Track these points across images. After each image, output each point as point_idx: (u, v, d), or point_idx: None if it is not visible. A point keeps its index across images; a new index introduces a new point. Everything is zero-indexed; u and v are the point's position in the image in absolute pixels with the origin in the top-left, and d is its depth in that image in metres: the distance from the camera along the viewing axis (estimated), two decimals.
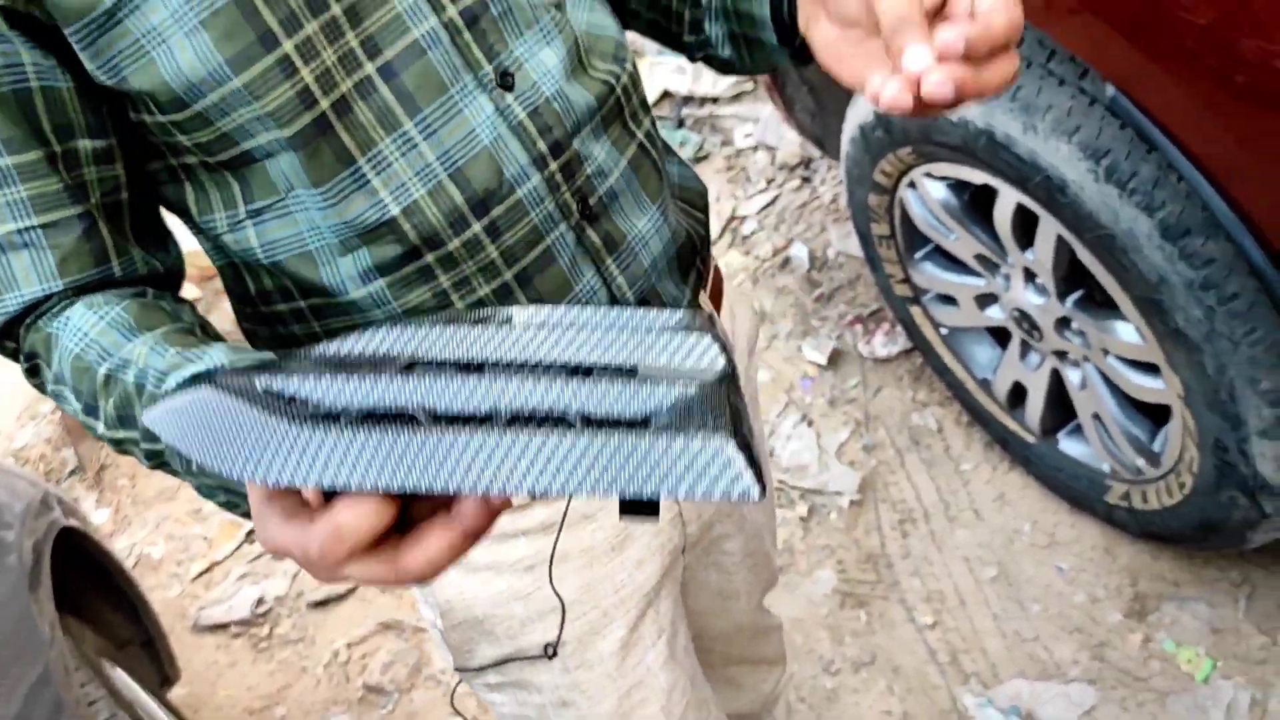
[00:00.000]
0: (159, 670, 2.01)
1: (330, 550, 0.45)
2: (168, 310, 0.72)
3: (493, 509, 0.46)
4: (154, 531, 2.66)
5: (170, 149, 0.73)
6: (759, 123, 2.93)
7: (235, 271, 0.80)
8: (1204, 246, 1.28)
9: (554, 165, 0.78)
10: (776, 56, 0.85)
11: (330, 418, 0.45)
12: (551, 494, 0.43)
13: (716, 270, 1.01)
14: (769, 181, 2.83)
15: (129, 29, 0.65)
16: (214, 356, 0.65)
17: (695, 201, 0.95)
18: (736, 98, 3.06)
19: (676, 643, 1.01)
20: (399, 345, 0.54)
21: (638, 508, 0.47)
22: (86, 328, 0.69)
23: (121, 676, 1.79)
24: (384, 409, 0.47)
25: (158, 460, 0.67)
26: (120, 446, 0.69)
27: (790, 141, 2.82)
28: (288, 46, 0.67)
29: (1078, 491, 1.83)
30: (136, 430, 0.66)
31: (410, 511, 0.47)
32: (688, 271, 0.90)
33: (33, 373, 0.73)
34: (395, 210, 0.73)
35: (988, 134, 1.43)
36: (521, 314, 0.58)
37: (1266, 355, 1.30)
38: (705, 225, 0.95)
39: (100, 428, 0.69)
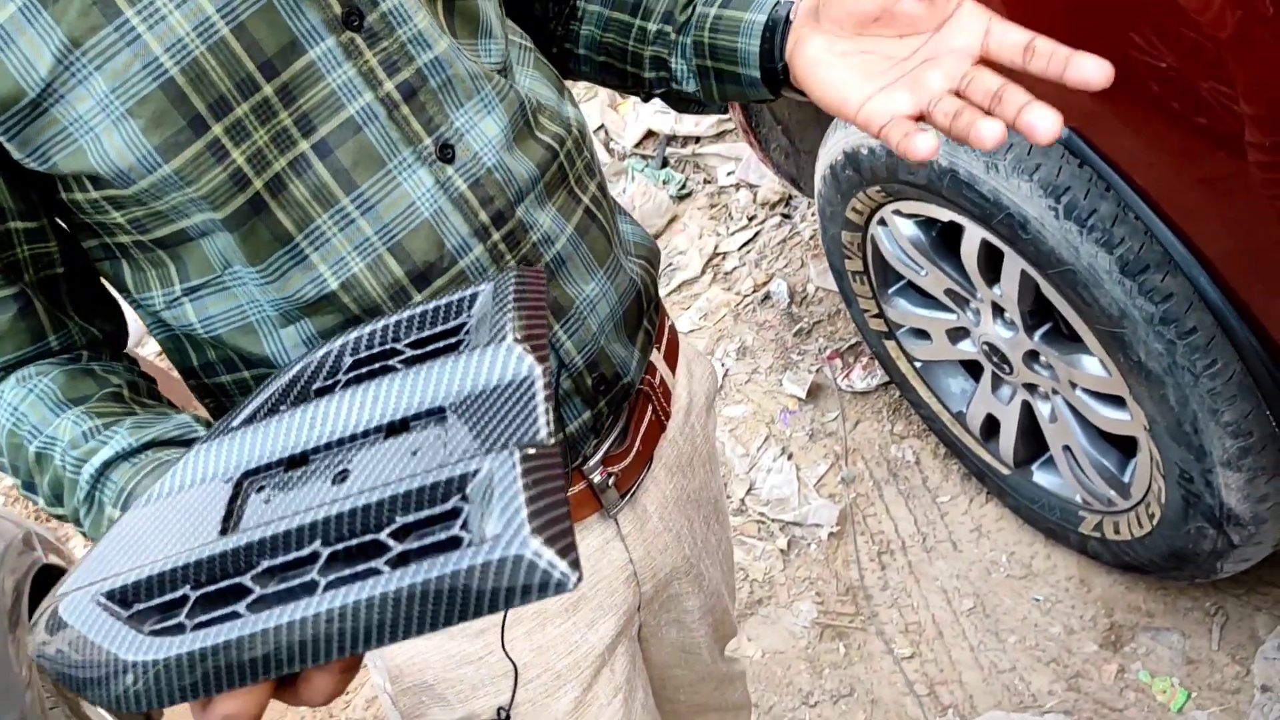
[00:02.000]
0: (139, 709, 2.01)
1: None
2: (97, 376, 0.73)
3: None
4: None
5: (102, 228, 0.72)
6: (741, 161, 2.97)
7: (177, 344, 0.80)
8: (1162, 282, 1.31)
9: (497, 235, 0.77)
10: (749, 90, 0.85)
11: (177, 629, 0.48)
12: (379, 646, 0.46)
13: (671, 329, 1.02)
14: (750, 219, 2.86)
15: (55, 118, 0.64)
16: (119, 440, 0.66)
17: (648, 259, 0.95)
18: (719, 137, 3.11)
19: (634, 701, 1.00)
20: (221, 464, 0.56)
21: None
22: (16, 402, 0.70)
23: (101, 715, 1.79)
24: (208, 614, 0.49)
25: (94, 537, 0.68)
26: (63, 520, 0.70)
27: (771, 179, 2.86)
28: (217, 130, 0.66)
29: (1052, 522, 1.85)
30: (69, 510, 0.68)
31: None
32: (635, 332, 0.90)
33: None
34: (334, 285, 0.73)
35: (951, 173, 1.46)
36: (348, 346, 0.62)
37: (1226, 388, 1.33)
38: (654, 285, 0.95)
39: (40, 502, 0.70)
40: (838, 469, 2.22)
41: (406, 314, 0.64)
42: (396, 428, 0.55)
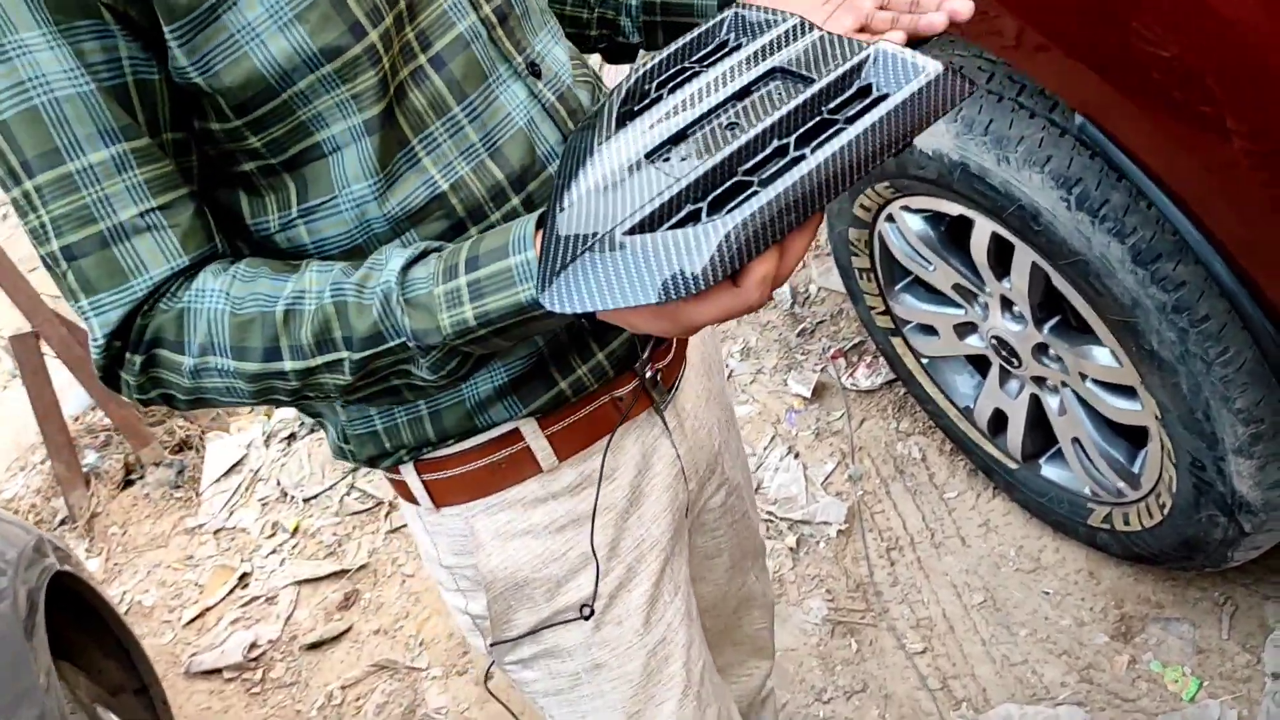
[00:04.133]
0: (153, 717, 2.00)
1: (765, 293, 0.61)
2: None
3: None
4: (145, 579, 2.65)
5: (229, 159, 0.77)
6: None
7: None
8: (1175, 270, 1.32)
9: None
10: None
11: (692, 218, 0.60)
12: (871, 170, 0.60)
13: None
14: None
15: (225, 25, 0.70)
16: (395, 255, 0.73)
17: None
18: None
19: (691, 602, 1.07)
20: (619, 158, 0.65)
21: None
22: (224, 286, 0.73)
23: None
24: (718, 192, 0.60)
25: (364, 369, 0.73)
26: (311, 377, 0.73)
27: None
28: (374, 36, 0.74)
29: (1061, 515, 1.86)
30: (339, 349, 0.72)
31: None
32: None
33: (149, 364, 0.75)
34: (444, 186, 0.80)
35: (962, 166, 1.47)
36: (647, 81, 0.72)
37: (1239, 375, 1.34)
38: None
39: (286, 364, 0.73)
40: (845, 467, 2.22)
41: (667, 52, 0.74)
42: (745, 92, 0.66)
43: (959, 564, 1.99)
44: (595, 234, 0.61)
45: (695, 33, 0.72)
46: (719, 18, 0.73)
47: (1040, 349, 1.67)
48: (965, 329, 1.83)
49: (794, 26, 0.68)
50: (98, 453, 2.99)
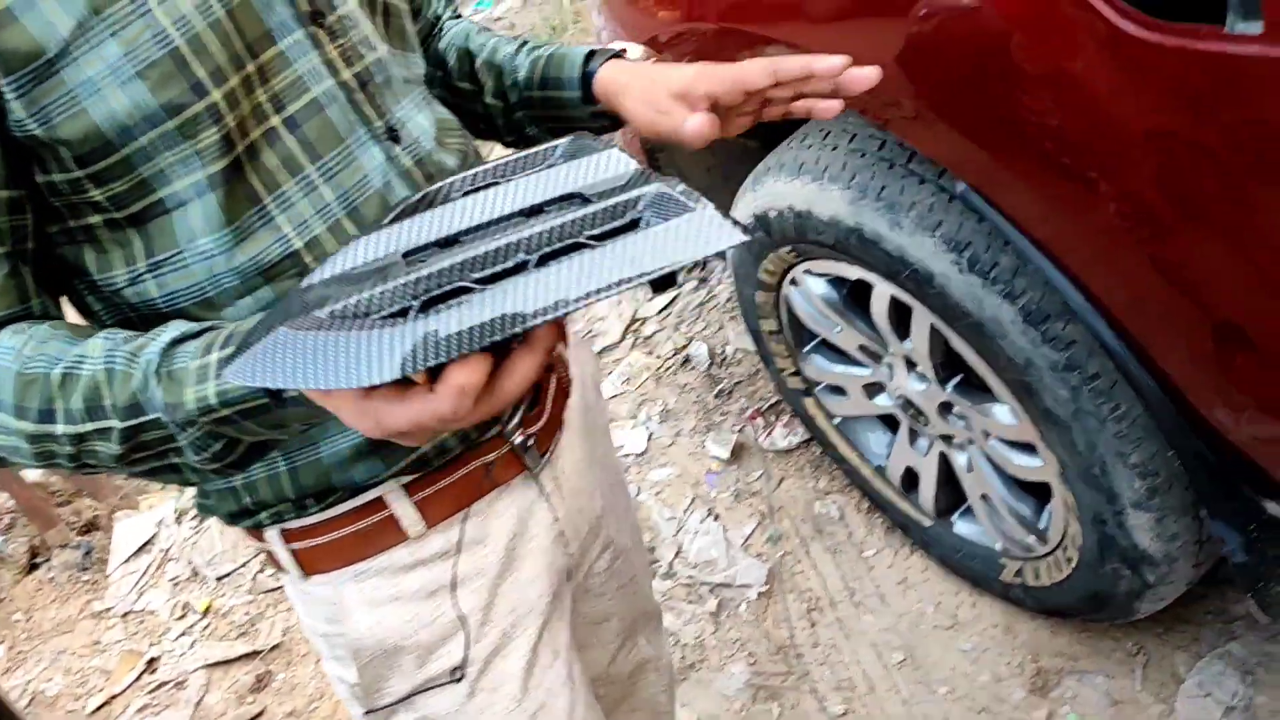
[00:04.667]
0: None
1: (460, 405, 0.57)
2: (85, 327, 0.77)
3: (560, 326, 0.59)
4: (50, 667, 2.55)
5: (74, 211, 0.78)
6: None
7: (129, 326, 0.83)
8: (1064, 330, 1.35)
9: None
10: (593, 129, 1.06)
11: (401, 314, 0.56)
12: (602, 297, 0.55)
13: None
14: None
15: (64, 80, 0.71)
16: (175, 328, 0.72)
17: None
18: None
19: (574, 667, 1.07)
20: (381, 249, 0.62)
21: (663, 283, 0.57)
22: (19, 345, 0.73)
23: None
24: (437, 293, 0.56)
25: (131, 441, 0.72)
26: (83, 443, 0.73)
27: None
28: (216, 95, 0.75)
29: (975, 571, 1.87)
30: (108, 417, 0.71)
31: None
32: None
33: None
34: (299, 244, 0.82)
35: (858, 232, 1.50)
36: (455, 183, 0.67)
37: (1132, 430, 1.37)
38: None
39: (59, 428, 0.72)
40: (764, 528, 2.22)
41: (491, 164, 0.70)
42: (536, 210, 0.63)
43: (879, 623, 1.98)
44: (302, 314, 0.58)
45: (528, 151, 0.71)
46: (556, 141, 0.72)
47: (945, 407, 1.69)
48: (873, 389, 1.85)
49: (614, 157, 0.65)
50: (1, 536, 2.88)
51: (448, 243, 0.62)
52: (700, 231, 0.56)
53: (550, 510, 1.01)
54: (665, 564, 2.22)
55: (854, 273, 1.61)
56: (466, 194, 0.66)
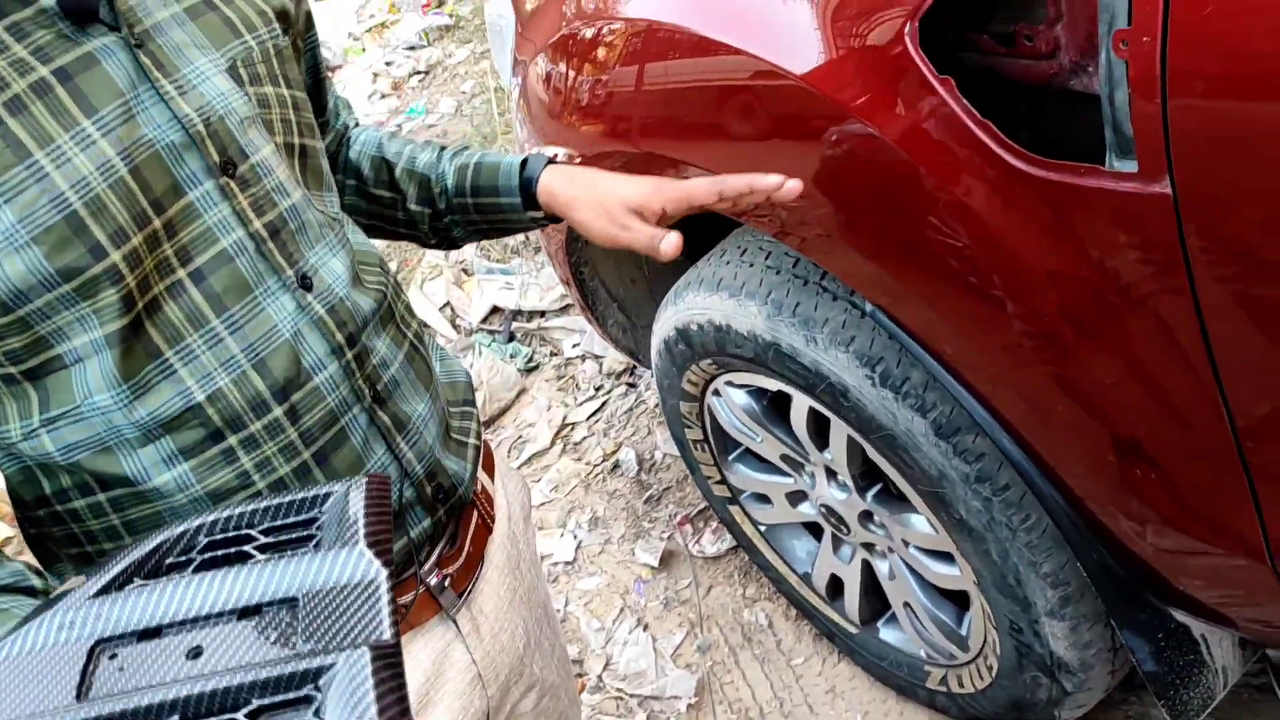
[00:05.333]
0: None
1: None
2: None
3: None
4: None
5: None
6: (586, 334, 3.03)
7: (29, 474, 0.83)
8: (974, 443, 1.38)
9: (349, 355, 0.88)
10: (528, 228, 1.11)
11: None
12: None
13: (486, 443, 1.13)
14: (597, 389, 2.91)
15: None
16: None
17: (468, 386, 1.09)
18: (563, 310, 3.18)
19: None
20: (78, 630, 0.58)
21: None
22: None
23: None
24: None
25: None
26: None
27: (615, 350, 2.93)
28: (115, 256, 0.74)
29: (901, 679, 1.87)
30: None
31: None
32: (463, 448, 1.02)
33: None
34: (200, 397, 0.80)
35: (775, 346, 1.53)
36: (203, 528, 0.64)
37: (1042, 540, 1.40)
38: (474, 406, 1.10)
39: None
40: (693, 637, 2.21)
41: (262, 504, 0.67)
42: (249, 611, 0.59)
43: None
44: None
45: (297, 494, 0.67)
46: (335, 488, 0.66)
47: (866, 516, 1.71)
48: (797, 497, 1.87)
49: (359, 560, 0.60)
50: None
51: (148, 634, 0.58)
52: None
53: (467, 652, 1.00)
54: (594, 677, 2.19)
55: (773, 385, 1.64)
56: (201, 563, 0.62)
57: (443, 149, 1.13)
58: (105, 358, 0.77)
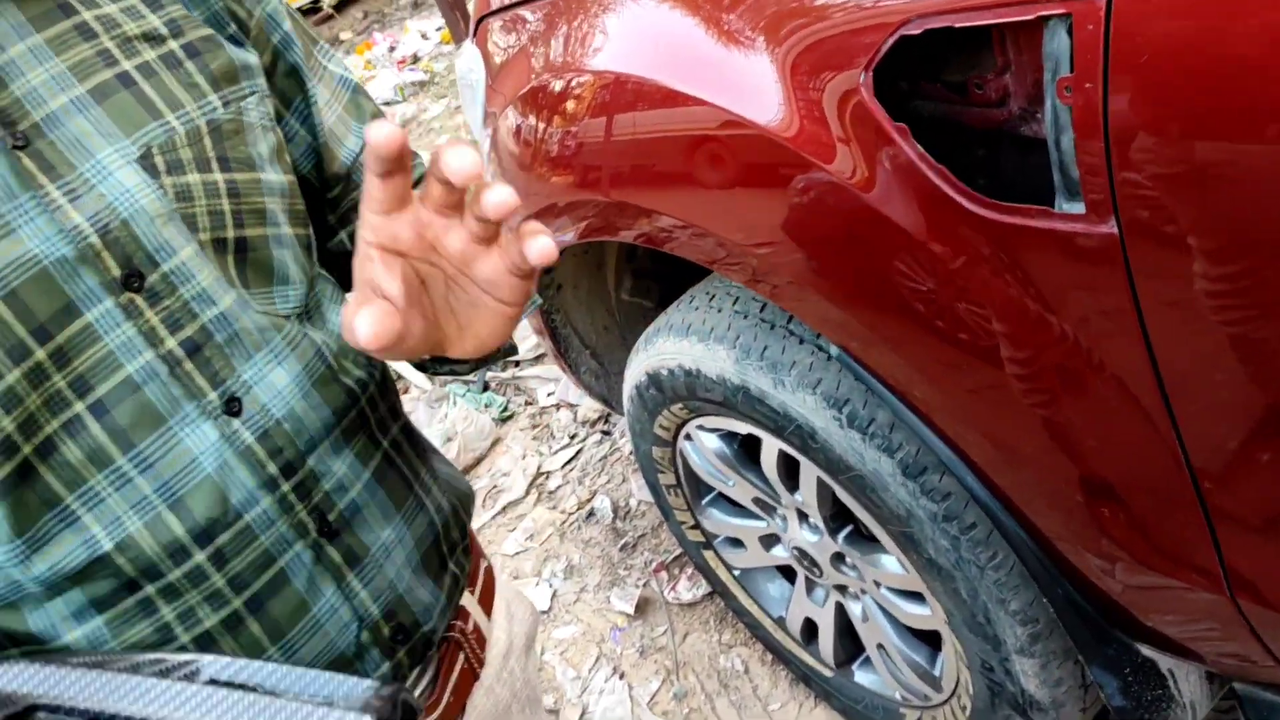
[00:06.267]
0: None
1: None
2: None
3: None
4: None
5: None
6: (560, 382, 3.05)
7: None
8: (941, 481, 1.40)
9: (286, 486, 0.77)
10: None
11: None
12: None
13: (488, 571, 1.02)
14: (572, 437, 2.92)
15: None
16: None
17: (459, 502, 0.97)
18: (538, 359, 3.19)
19: None
20: (31, 686, 0.53)
21: None
22: None
23: None
24: None
25: None
26: None
27: (590, 399, 2.94)
28: None
29: None
30: None
31: None
32: (439, 575, 0.90)
33: None
34: (108, 545, 0.71)
35: (743, 389, 1.55)
36: (210, 667, 0.59)
37: (1010, 578, 1.42)
38: (462, 528, 0.96)
39: None
40: (670, 684, 2.20)
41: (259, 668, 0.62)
42: None
43: None
44: None
45: (318, 681, 0.62)
46: (360, 687, 0.62)
47: (838, 558, 1.72)
48: (770, 540, 1.88)
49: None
50: None
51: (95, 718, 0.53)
52: None
53: None
54: None
55: (743, 428, 1.66)
56: (210, 682, 0.58)
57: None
58: None
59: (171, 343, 0.72)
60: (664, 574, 2.42)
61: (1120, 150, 0.89)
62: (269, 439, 0.76)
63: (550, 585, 2.50)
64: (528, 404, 3.11)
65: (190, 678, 0.59)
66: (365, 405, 0.84)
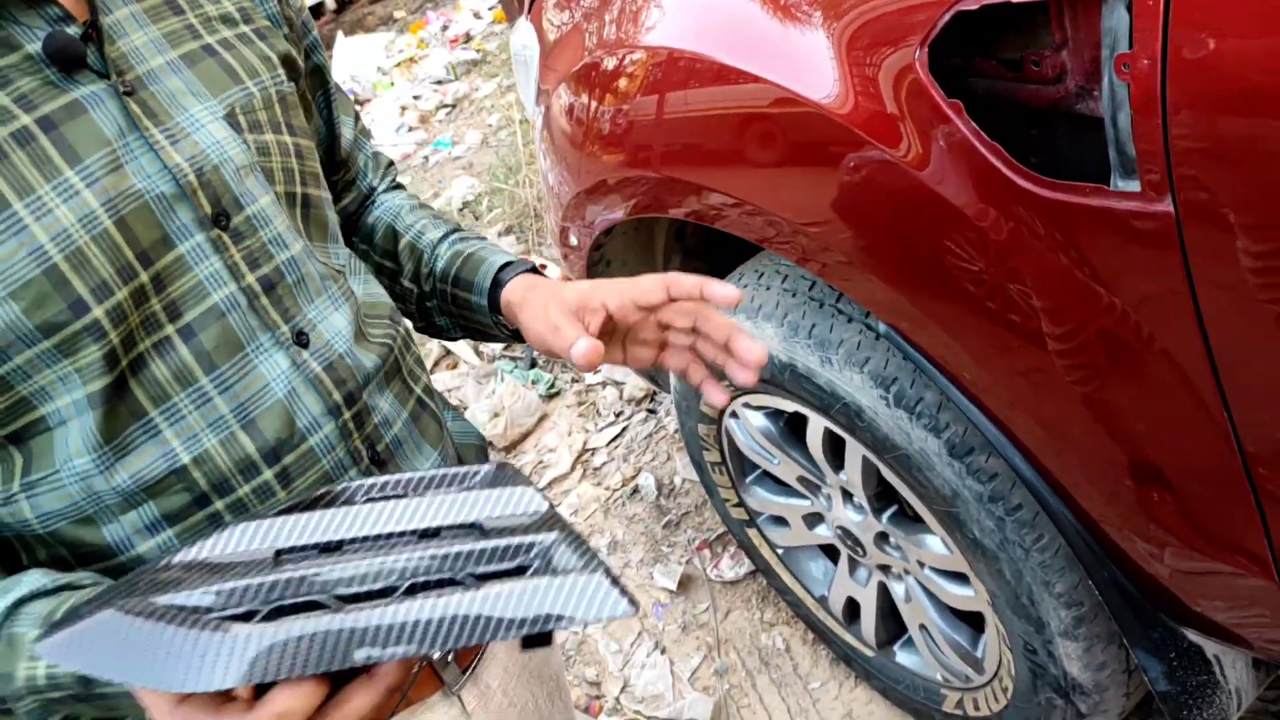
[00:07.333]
0: None
1: None
2: None
3: (409, 663, 0.54)
4: None
5: None
6: None
7: (7, 548, 0.80)
8: (987, 463, 1.40)
9: (347, 414, 0.84)
10: (500, 336, 1.04)
11: (244, 618, 0.52)
12: (462, 645, 0.50)
13: None
14: (617, 415, 2.94)
15: None
16: (32, 580, 0.68)
17: (480, 448, 1.05)
18: None
19: None
20: (255, 541, 0.59)
21: (535, 640, 0.54)
22: None
23: None
24: (289, 601, 0.52)
25: None
26: None
27: (637, 376, 2.96)
28: (98, 312, 0.72)
29: (917, 702, 1.88)
30: None
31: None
32: None
33: None
34: (185, 459, 0.77)
35: (791, 367, 1.56)
36: (361, 488, 0.65)
37: (1055, 560, 1.41)
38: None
39: None
40: (711, 660, 2.22)
41: (407, 476, 0.68)
42: (430, 534, 0.60)
43: None
44: (143, 596, 0.53)
45: (450, 470, 0.69)
46: (480, 466, 0.70)
47: (881, 538, 1.72)
48: (813, 519, 1.88)
49: (527, 495, 0.63)
50: None
51: (329, 548, 0.59)
52: (585, 596, 0.52)
53: None
54: (611, 699, 2.20)
55: (789, 406, 1.66)
56: (368, 500, 0.63)
57: (455, 230, 1.07)
58: (87, 419, 0.73)
59: (251, 278, 0.80)
60: (707, 552, 2.44)
61: (1178, 128, 0.89)
62: (334, 370, 0.84)
63: None
64: (574, 381, 3.13)
65: (349, 501, 0.64)
66: (397, 354, 0.92)
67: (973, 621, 1.70)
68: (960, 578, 1.60)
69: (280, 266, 0.82)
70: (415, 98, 5.74)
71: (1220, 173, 0.88)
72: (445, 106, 5.49)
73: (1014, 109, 1.18)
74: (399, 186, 1.14)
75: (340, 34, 7.33)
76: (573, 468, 2.84)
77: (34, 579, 0.69)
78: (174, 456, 0.77)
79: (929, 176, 1.15)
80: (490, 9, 6.60)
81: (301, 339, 0.82)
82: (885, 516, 1.68)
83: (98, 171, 0.73)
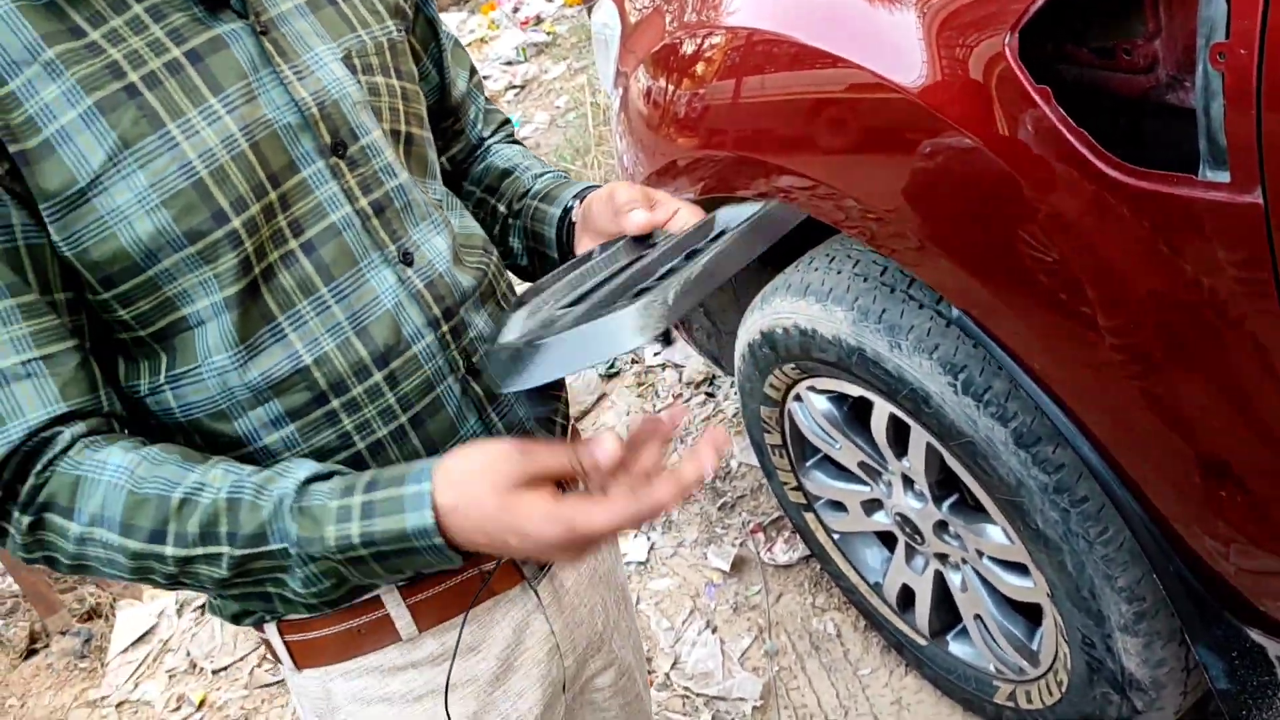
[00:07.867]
0: None
1: (674, 496, 0.72)
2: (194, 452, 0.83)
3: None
4: None
5: (104, 326, 0.84)
6: None
7: (146, 430, 0.88)
8: (1054, 453, 1.40)
9: (445, 327, 0.92)
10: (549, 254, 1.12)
11: (637, 294, 0.78)
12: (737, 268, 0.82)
13: (574, 429, 1.19)
14: (676, 397, 2.96)
15: (95, 207, 0.77)
16: (303, 468, 0.80)
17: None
18: None
19: None
20: (601, 267, 0.94)
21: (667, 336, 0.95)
22: (132, 465, 0.77)
23: None
24: (659, 273, 0.85)
25: (241, 568, 0.78)
26: (189, 565, 0.78)
27: (696, 360, 2.98)
28: (236, 223, 0.81)
29: (968, 693, 1.88)
30: (221, 543, 0.77)
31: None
32: (551, 425, 1.06)
33: (37, 526, 0.78)
34: (308, 360, 0.86)
35: (859, 351, 1.57)
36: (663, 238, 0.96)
37: (1119, 554, 1.41)
38: (566, 405, 1.12)
39: (168, 549, 0.77)
40: (761, 642, 2.24)
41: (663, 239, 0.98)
42: (687, 253, 0.89)
43: None
44: (544, 327, 0.77)
45: (695, 224, 0.94)
46: (708, 217, 0.96)
47: (940, 526, 1.73)
48: (872, 505, 1.89)
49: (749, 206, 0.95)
50: (2, 620, 2.89)
51: (617, 274, 0.88)
52: (769, 222, 0.88)
53: (546, 623, 1.03)
54: (661, 675, 2.23)
55: (855, 390, 1.67)
56: (633, 253, 0.96)
57: (564, 176, 1.15)
58: (224, 320, 0.83)
59: (364, 201, 0.89)
60: (761, 535, 2.45)
61: (1272, 119, 0.88)
62: (434, 287, 0.92)
63: (648, 538, 2.55)
64: (634, 362, 3.16)
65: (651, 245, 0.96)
66: (491, 279, 1.00)
67: (1029, 613, 1.70)
68: (1019, 568, 1.61)
69: (389, 192, 0.91)
70: (485, 78, 5.79)
71: None
72: (514, 88, 5.53)
73: (1102, 97, 1.18)
74: (515, 142, 1.21)
75: None
76: None
77: (306, 465, 0.80)
78: (298, 357, 0.86)
79: (1013, 162, 1.16)
80: None
81: (407, 258, 0.91)
82: (946, 505, 1.68)
83: (236, 100, 0.82)
